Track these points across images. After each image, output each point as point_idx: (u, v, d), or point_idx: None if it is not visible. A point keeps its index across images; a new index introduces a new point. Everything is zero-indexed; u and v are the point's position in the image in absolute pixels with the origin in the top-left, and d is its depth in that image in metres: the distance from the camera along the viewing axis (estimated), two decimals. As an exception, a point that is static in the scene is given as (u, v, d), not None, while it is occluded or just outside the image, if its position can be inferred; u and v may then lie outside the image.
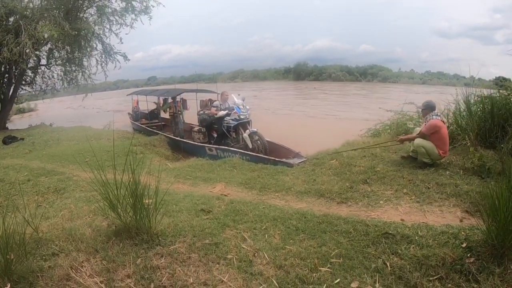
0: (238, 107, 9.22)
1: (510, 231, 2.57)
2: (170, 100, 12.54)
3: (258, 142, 8.65)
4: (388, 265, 2.76)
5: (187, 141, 10.77)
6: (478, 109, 6.13)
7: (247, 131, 8.83)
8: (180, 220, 3.58)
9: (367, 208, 4.11)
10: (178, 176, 6.16)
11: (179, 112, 12.09)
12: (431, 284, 2.54)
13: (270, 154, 8.17)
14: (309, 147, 7.73)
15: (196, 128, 11.06)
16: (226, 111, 9.48)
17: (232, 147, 8.92)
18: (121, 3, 15.49)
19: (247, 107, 9.38)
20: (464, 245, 2.87)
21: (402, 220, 3.65)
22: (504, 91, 6.12)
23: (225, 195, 4.79)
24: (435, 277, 2.60)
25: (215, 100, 11.06)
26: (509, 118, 5.51)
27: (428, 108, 5.53)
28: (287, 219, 3.68)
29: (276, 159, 7.21)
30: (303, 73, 66.02)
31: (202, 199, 4.38)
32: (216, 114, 9.71)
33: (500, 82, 7.68)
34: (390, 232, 3.23)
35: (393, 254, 2.91)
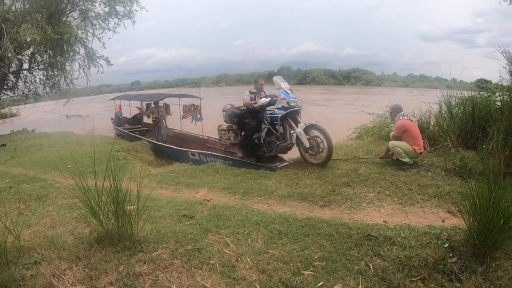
0: (285, 91, 6.76)
1: (491, 230, 2.62)
2: (153, 105, 12.50)
3: (318, 139, 6.16)
4: (371, 266, 2.77)
5: (170, 146, 10.72)
6: (460, 111, 6.25)
7: (301, 124, 6.35)
8: (163, 226, 3.55)
9: (350, 211, 4.13)
10: (161, 182, 6.09)
11: (162, 117, 12.12)
12: (414, 284, 2.57)
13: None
14: (292, 151, 7.62)
15: (224, 127, 7.90)
16: (269, 98, 6.96)
17: (278, 146, 6.74)
18: (105, 7, 15.32)
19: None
20: (446, 245, 2.91)
21: (384, 222, 3.69)
22: (485, 92, 6.25)
23: (208, 200, 4.75)
24: (418, 278, 2.62)
25: (198, 105, 10.90)
26: (490, 120, 5.62)
27: (395, 110, 5.82)
28: (270, 223, 3.67)
29: (259, 163, 7.08)
30: (286, 77, 66.21)
31: (185, 205, 4.34)
32: (255, 103, 7.04)
33: (481, 84, 7.86)
34: (372, 234, 3.26)
35: (375, 256, 2.92)
